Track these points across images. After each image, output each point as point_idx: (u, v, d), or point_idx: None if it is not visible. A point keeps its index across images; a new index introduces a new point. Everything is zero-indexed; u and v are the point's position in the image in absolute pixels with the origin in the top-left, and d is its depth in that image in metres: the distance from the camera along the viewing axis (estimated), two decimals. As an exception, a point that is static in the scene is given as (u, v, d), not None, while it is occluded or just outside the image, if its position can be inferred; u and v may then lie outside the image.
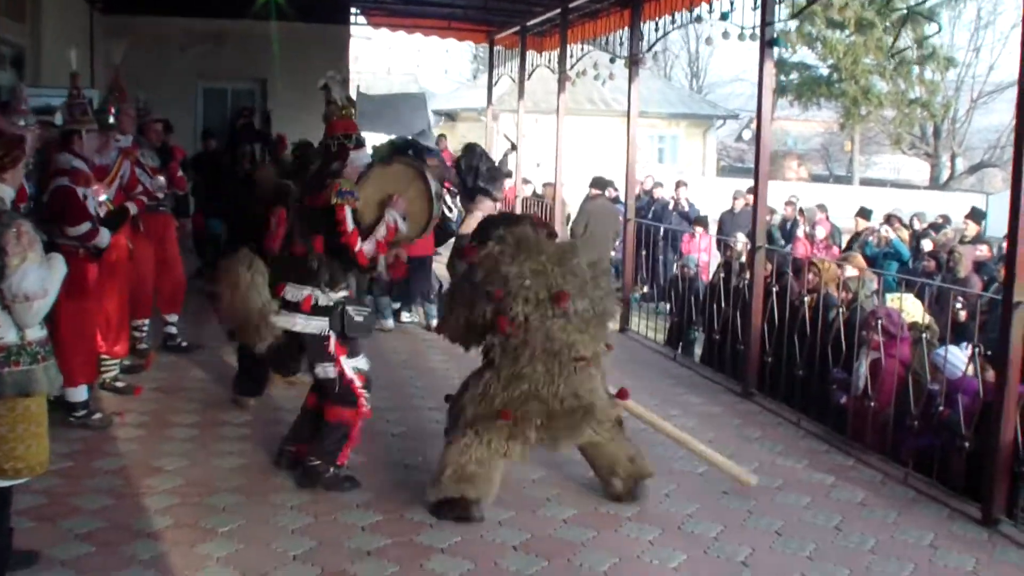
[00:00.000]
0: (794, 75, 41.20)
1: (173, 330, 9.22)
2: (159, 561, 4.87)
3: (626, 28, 11.18)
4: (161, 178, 8.67)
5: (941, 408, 6.44)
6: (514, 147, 12.47)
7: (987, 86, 42.61)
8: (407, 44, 26.40)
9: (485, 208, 6.61)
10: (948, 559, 5.28)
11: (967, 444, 6.15)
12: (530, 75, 15.52)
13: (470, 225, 6.25)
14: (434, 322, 9.54)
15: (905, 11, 11.85)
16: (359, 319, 5.83)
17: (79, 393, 6.75)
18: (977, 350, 6.27)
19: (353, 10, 17.27)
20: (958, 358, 6.77)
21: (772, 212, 15.36)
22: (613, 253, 15.66)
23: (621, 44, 11.39)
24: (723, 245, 11.91)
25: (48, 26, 12.69)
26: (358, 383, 5.88)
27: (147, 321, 8.81)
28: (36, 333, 4.22)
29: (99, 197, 6.99)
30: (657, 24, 10.60)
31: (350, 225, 5.67)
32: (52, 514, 5.39)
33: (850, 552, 5.27)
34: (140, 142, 8.56)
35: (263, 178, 7.53)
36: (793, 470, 6.50)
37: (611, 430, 5.78)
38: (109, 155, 7.24)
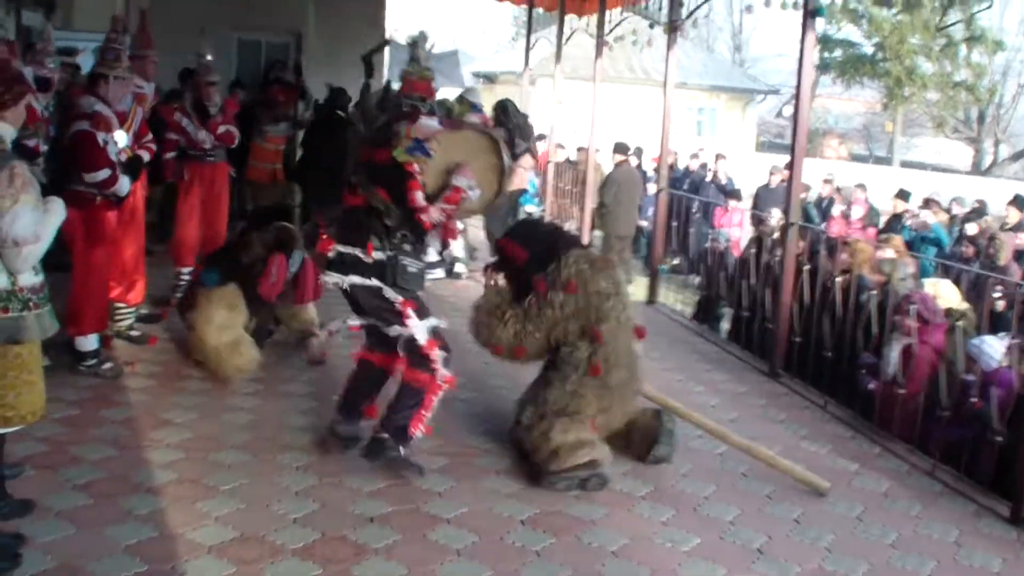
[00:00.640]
0: (838, 52, 40.61)
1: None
2: (156, 516, 4.74)
3: (666, -7, 10.89)
4: (203, 132, 8.58)
5: (974, 400, 6.22)
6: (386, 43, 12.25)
7: (1036, 72, 41.82)
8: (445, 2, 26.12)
9: (527, 165, 6.47)
10: (973, 557, 5.08)
11: (999, 438, 5.94)
12: (568, 39, 15.21)
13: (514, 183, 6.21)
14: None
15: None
16: (413, 270, 5.45)
17: (89, 342, 6.63)
18: (1016, 342, 6.04)
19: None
20: (994, 348, 6.52)
21: (807, 189, 15.08)
22: (644, 224, 15.50)
23: (660, 10, 11.09)
24: (756, 220, 11.63)
25: (81, -31, 12.58)
26: (433, 347, 5.40)
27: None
28: (29, 279, 4.06)
29: (119, 143, 6.86)
30: (698, -10, 10.30)
31: (418, 186, 5.32)
32: (52, 463, 5.28)
33: (870, 544, 5.08)
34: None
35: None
36: (816, 455, 6.29)
37: None
38: (126, 101, 7.09)
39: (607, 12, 13.00)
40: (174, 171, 8.96)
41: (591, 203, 14.16)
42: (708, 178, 16.72)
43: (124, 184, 6.46)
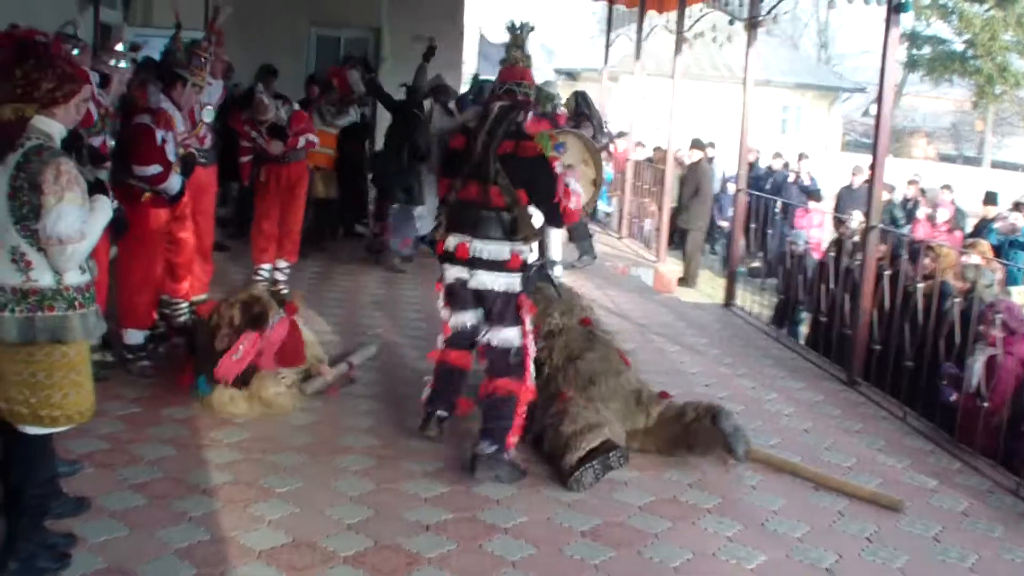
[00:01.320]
0: (926, 49, 39.52)
1: (282, 276, 9.14)
2: (209, 519, 4.69)
3: (747, -11, 10.64)
4: (276, 143, 8.66)
5: (1063, 415, 5.92)
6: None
7: None
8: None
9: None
10: (1058, 584, 4.80)
11: (1089, 457, 5.63)
12: (647, 36, 15.00)
13: None
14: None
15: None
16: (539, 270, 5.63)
17: (135, 336, 6.65)
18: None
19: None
20: (1087, 362, 6.21)
21: (892, 190, 14.64)
22: (724, 224, 15.22)
23: (741, 6, 10.83)
24: (837, 222, 11.30)
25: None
26: (530, 354, 5.51)
27: (272, 265, 9.08)
28: (75, 278, 3.99)
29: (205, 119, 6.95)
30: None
31: (568, 182, 5.37)
32: (111, 461, 5.27)
33: (947, 567, 4.82)
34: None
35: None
36: (893, 470, 6.03)
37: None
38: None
39: (687, 8, 12.79)
40: (250, 174, 9.00)
41: (669, 201, 13.94)
42: (790, 178, 16.32)
43: (174, 183, 6.43)
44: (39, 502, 4.11)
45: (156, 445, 5.53)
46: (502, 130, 5.37)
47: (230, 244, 10.94)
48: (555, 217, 5.51)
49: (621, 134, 17.99)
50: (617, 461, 5.41)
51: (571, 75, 37.24)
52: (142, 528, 4.55)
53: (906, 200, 14.99)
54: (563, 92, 27.41)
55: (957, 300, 7.19)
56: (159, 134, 6.27)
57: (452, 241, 5.46)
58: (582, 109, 11.25)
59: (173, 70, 6.69)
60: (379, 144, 12.73)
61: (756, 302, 10.87)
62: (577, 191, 5.46)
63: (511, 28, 5.72)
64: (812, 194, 14.69)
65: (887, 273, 7.68)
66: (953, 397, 6.77)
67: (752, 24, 10.42)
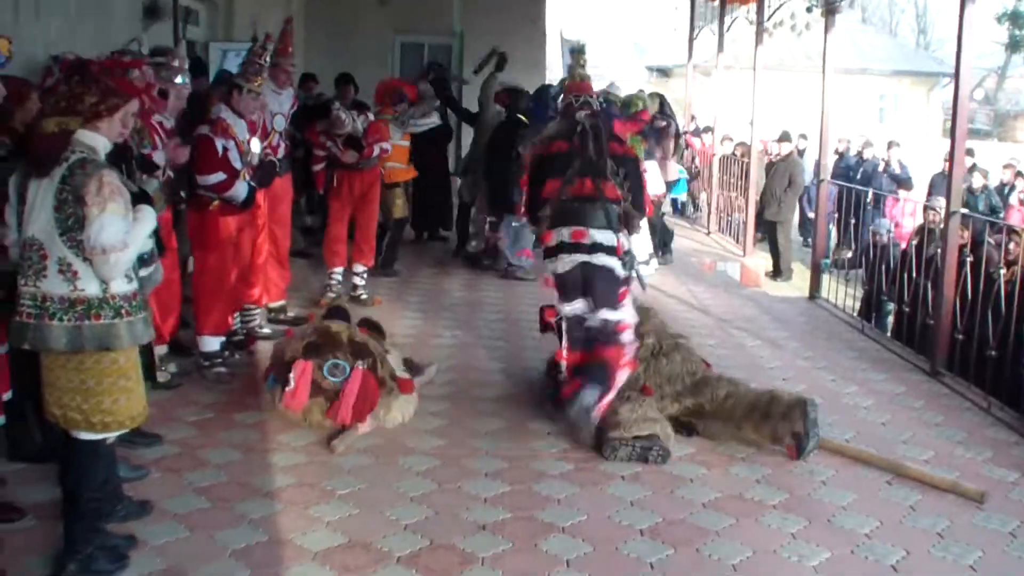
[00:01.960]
0: (1032, 29, 38.27)
1: (360, 281, 9.23)
2: (268, 521, 4.74)
3: (825, -26, 10.42)
4: (350, 153, 8.75)
5: None
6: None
7: None
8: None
9: None
10: None
11: None
12: (729, 28, 14.78)
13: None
14: None
15: None
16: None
17: (210, 343, 6.77)
18: None
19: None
20: None
21: (986, 175, 14.17)
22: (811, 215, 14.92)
23: (818, -7, 10.62)
24: (926, 210, 10.98)
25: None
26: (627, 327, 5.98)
27: (344, 269, 9.20)
28: (121, 287, 4.08)
29: (253, 149, 7.00)
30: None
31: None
32: (179, 466, 5.36)
33: (1022, 564, 4.62)
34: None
35: None
36: (972, 463, 5.81)
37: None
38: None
39: (766, -1, 12.58)
40: (324, 182, 9.10)
41: (755, 194, 13.73)
42: (880, 167, 15.91)
43: (240, 190, 6.53)
44: (95, 505, 4.20)
45: (225, 450, 5.61)
46: (605, 135, 6.03)
47: (314, 252, 11.06)
48: (641, 207, 6.16)
49: (707, 129, 17.77)
50: (656, 456, 5.58)
51: (663, 72, 36.95)
52: (202, 530, 4.62)
53: (1003, 185, 14.50)
54: (662, 90, 27.39)
55: (1043, 286, 6.92)
56: (219, 143, 6.38)
57: (566, 232, 5.92)
58: (666, 110, 11.22)
59: (229, 79, 6.82)
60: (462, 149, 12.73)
61: (847, 294, 10.59)
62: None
63: (574, 50, 6.61)
64: (903, 182, 14.30)
65: (969, 260, 7.43)
66: (1038, 386, 6.52)
67: (830, 10, 10.21)
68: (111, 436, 4.20)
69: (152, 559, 4.33)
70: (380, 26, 17.26)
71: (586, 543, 4.63)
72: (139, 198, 4.25)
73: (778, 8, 12.47)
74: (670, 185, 11.79)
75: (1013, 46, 37.24)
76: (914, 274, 8.46)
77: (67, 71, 5.21)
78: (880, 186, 14.62)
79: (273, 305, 8.23)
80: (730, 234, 15.07)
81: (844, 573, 4.46)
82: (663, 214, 11.97)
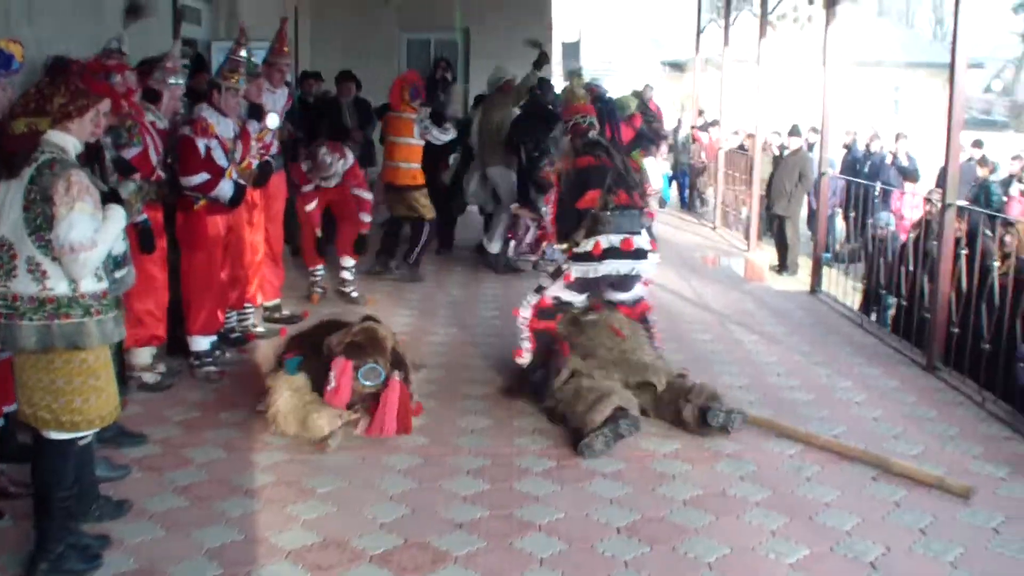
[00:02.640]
0: (1049, 19, 38.00)
1: (348, 275, 9.22)
2: (245, 519, 4.73)
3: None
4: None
5: None
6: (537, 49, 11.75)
7: None
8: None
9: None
10: None
11: None
12: (734, 21, 14.72)
13: None
14: None
15: None
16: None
17: (200, 342, 6.77)
18: None
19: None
20: None
21: (992, 168, 14.03)
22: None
23: (818, -16, 10.54)
24: (924, 202, 10.88)
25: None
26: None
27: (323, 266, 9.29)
28: (91, 286, 4.08)
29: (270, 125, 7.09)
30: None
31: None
32: (161, 465, 5.37)
33: (1005, 561, 4.53)
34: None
35: None
36: (962, 459, 5.74)
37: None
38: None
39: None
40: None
41: (759, 189, 13.67)
42: (888, 159, 15.78)
43: (225, 189, 6.52)
44: (66, 504, 4.20)
45: (208, 449, 5.61)
46: (623, 150, 6.79)
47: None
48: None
49: (714, 123, 17.71)
50: (628, 429, 5.64)
51: (676, 66, 36.84)
52: (178, 529, 4.62)
53: (1012, 177, 14.35)
54: (675, 85, 27.15)
55: (1037, 279, 6.85)
56: (201, 143, 6.37)
57: (616, 239, 6.35)
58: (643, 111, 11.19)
59: (211, 80, 6.82)
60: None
61: (850, 287, 10.52)
62: None
63: (572, 73, 7.53)
64: (909, 175, 14.20)
65: (964, 252, 7.36)
66: (1031, 380, 6.45)
67: (831, 2, 10.12)
68: (82, 436, 4.20)
69: (126, 559, 4.34)
70: (386, 23, 17.26)
71: (562, 541, 4.60)
72: (109, 197, 4.25)
73: (780, 1, 12.36)
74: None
75: (1029, 36, 37.01)
76: (911, 267, 8.38)
77: (47, 72, 5.24)
78: (888, 178, 14.50)
79: (268, 304, 8.23)
80: (737, 229, 15.00)
81: (821, 570, 4.41)
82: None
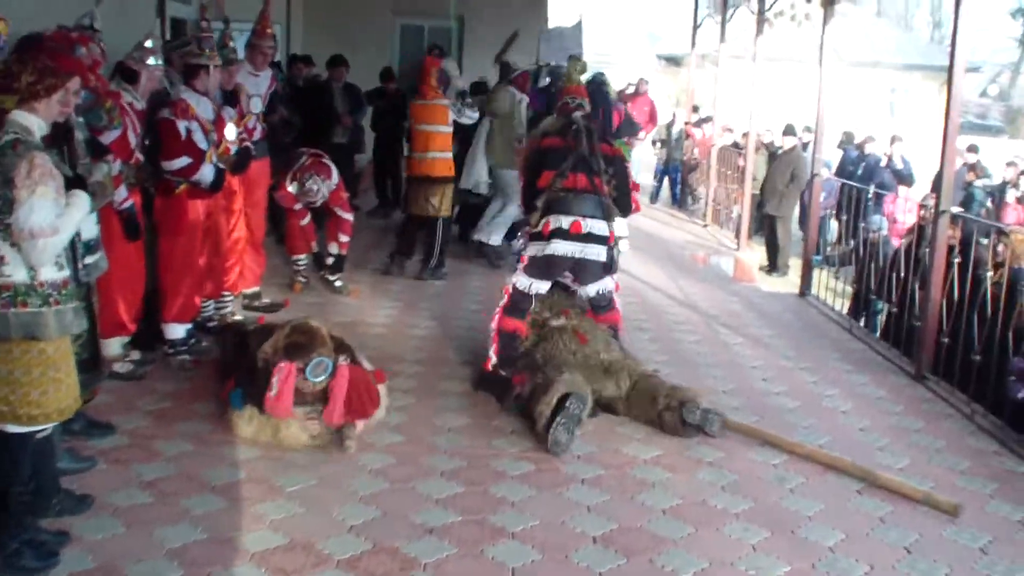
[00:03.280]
0: (1047, 25, 37.94)
1: (331, 261, 9.08)
2: (210, 518, 4.58)
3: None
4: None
5: None
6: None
7: None
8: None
9: None
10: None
11: None
12: (731, 17, 14.56)
13: None
14: None
15: None
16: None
17: (175, 331, 6.62)
18: None
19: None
20: None
21: (983, 172, 13.89)
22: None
23: (817, -17, 10.40)
24: (918, 208, 10.74)
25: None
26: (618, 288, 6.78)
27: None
28: (51, 274, 3.92)
29: (229, 135, 6.87)
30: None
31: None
32: (128, 457, 5.21)
33: (990, 582, 4.43)
34: None
35: None
36: (949, 473, 5.61)
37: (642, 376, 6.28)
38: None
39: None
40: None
41: (751, 187, 13.53)
42: (883, 162, 15.62)
43: (206, 173, 6.36)
44: (24, 500, 4.05)
45: (178, 441, 5.45)
46: (597, 135, 6.55)
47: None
48: (626, 207, 6.81)
49: (707, 119, 17.56)
50: (577, 407, 5.60)
51: (673, 60, 36.64)
52: (141, 527, 4.47)
53: (1005, 183, 14.21)
54: (672, 80, 27.00)
55: (1030, 289, 6.70)
56: (181, 125, 6.20)
57: (565, 220, 6.30)
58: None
59: (189, 63, 6.64)
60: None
61: (835, 291, 10.38)
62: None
63: (573, 57, 7.59)
64: (904, 178, 14.05)
65: (956, 261, 7.23)
66: (1021, 394, 6.31)
67: (829, 1, 9.98)
68: (40, 429, 4.04)
69: (84, 556, 4.18)
70: (380, 8, 17.06)
71: (535, 550, 4.45)
72: (73, 183, 4.08)
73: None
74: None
75: (1026, 42, 36.95)
76: (902, 273, 8.24)
77: (16, 47, 5.06)
78: (882, 181, 14.34)
79: (248, 291, 8.07)
80: (728, 227, 14.86)
81: (802, 588, 4.29)
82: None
